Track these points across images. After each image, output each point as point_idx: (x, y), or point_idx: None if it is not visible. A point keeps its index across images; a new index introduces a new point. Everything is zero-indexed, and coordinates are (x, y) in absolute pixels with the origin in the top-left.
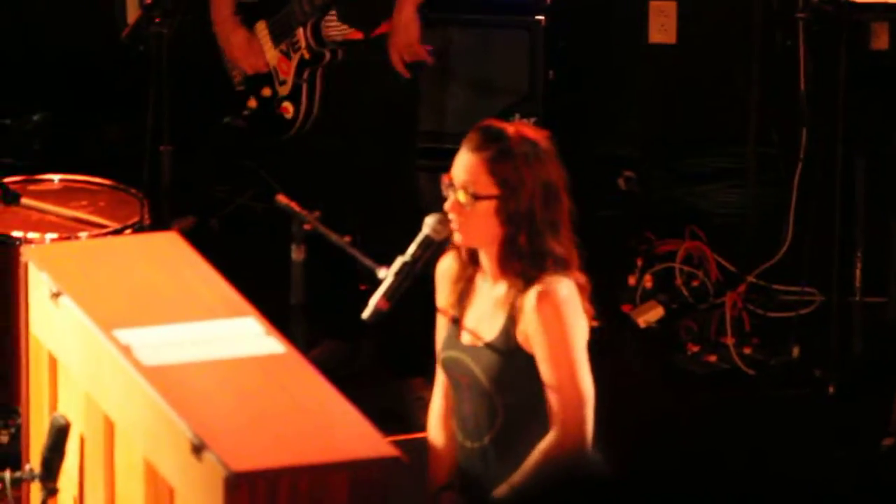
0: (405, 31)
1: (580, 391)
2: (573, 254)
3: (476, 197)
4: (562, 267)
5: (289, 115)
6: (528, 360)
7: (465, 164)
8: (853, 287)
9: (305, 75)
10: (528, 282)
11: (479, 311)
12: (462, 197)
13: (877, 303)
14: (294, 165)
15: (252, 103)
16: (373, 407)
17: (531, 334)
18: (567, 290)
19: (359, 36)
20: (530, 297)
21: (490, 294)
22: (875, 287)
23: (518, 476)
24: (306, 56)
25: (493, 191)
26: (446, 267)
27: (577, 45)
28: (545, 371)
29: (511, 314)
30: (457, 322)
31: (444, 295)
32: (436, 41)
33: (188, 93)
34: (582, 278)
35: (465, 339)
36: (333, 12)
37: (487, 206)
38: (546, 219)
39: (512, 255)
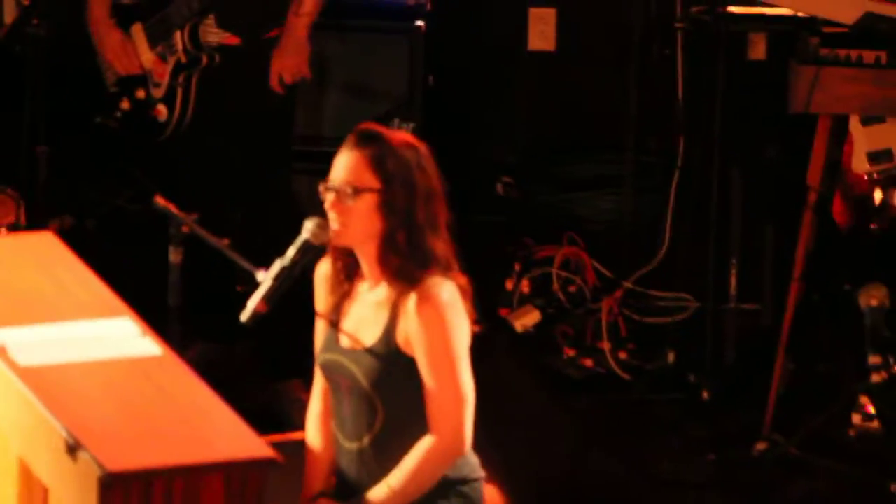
0: (295, 53)
1: (460, 396)
2: (452, 256)
3: (357, 190)
4: (442, 268)
5: (162, 118)
6: (409, 363)
7: (345, 162)
8: (728, 294)
9: (181, 79)
10: (408, 283)
11: (359, 315)
12: (346, 190)
13: (751, 310)
14: (172, 167)
15: (125, 104)
16: (250, 409)
17: (412, 337)
18: (448, 294)
19: (236, 41)
20: (411, 299)
21: (370, 298)
22: (749, 294)
23: (395, 478)
24: (183, 59)
25: (375, 184)
26: (324, 271)
27: (456, 50)
28: (425, 374)
29: (391, 317)
30: (335, 325)
31: (322, 299)
32: (314, 46)
33: (64, 93)
34: (463, 280)
35: (345, 342)
36: (212, 17)
37: (368, 201)
38: (426, 217)
39: (390, 253)
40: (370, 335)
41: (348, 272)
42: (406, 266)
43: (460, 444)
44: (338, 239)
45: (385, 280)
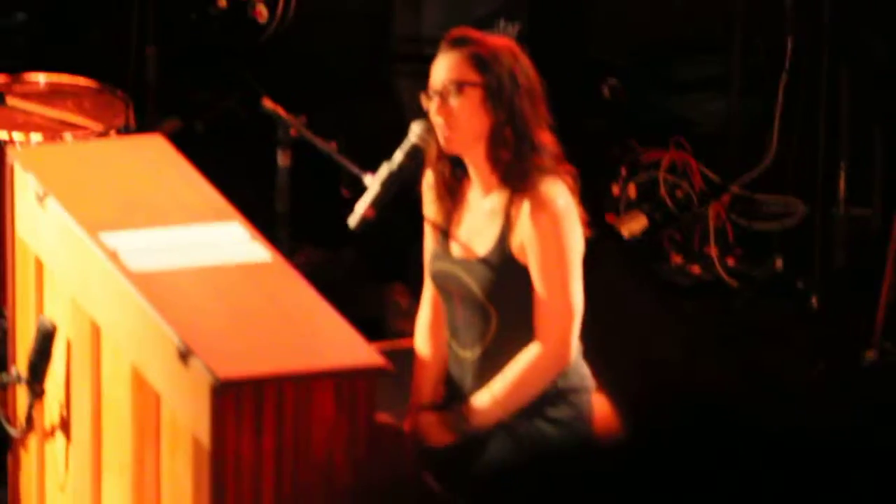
0: None
1: (569, 306)
2: (559, 149)
3: (461, 85)
4: (550, 160)
5: (262, 19)
6: (523, 271)
7: (445, 63)
8: (837, 198)
9: None
10: (521, 185)
11: (471, 224)
12: (449, 88)
13: (860, 215)
14: (277, 68)
15: (222, 2)
16: (357, 314)
17: (526, 243)
18: (564, 200)
19: None
20: (525, 205)
21: (482, 206)
22: (859, 198)
23: (498, 386)
24: None
25: (478, 79)
26: (431, 179)
27: None
28: (537, 282)
29: (505, 224)
30: (446, 235)
31: (431, 207)
32: None
33: None
34: (571, 174)
35: (457, 251)
36: None
37: (473, 97)
38: (531, 114)
39: (500, 148)
40: (483, 244)
41: (456, 180)
42: (517, 162)
43: (565, 354)
44: (448, 144)
45: (496, 184)
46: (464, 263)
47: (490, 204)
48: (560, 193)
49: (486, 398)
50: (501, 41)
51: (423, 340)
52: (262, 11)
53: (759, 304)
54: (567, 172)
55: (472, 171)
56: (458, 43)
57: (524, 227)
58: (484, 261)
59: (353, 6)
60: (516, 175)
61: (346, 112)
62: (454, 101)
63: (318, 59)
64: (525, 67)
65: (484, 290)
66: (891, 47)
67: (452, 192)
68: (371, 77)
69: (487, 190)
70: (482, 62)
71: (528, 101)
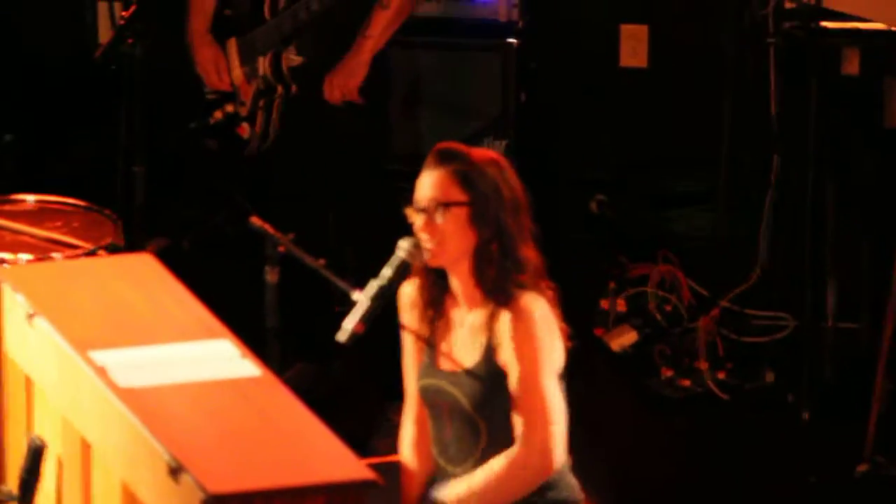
0: (349, 75)
1: (546, 411)
2: (541, 264)
3: (446, 205)
4: (533, 276)
5: (245, 136)
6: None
7: (430, 180)
8: (826, 312)
9: (261, 103)
10: (503, 299)
11: (456, 339)
12: (434, 207)
13: (849, 328)
14: (264, 186)
15: (218, 114)
16: (347, 430)
17: (505, 354)
18: (541, 311)
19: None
20: (505, 318)
21: (466, 321)
22: (847, 312)
23: (477, 478)
24: (262, 86)
25: (463, 198)
26: (410, 294)
27: (548, 68)
28: (513, 388)
29: (489, 337)
30: (433, 349)
31: (411, 323)
32: (407, 65)
33: (159, 113)
34: (551, 289)
35: (444, 365)
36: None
37: (458, 215)
38: (515, 226)
39: (485, 264)
40: (470, 357)
41: (439, 295)
42: (500, 278)
43: (547, 460)
44: (434, 259)
45: (480, 299)
46: (451, 376)
47: (474, 318)
48: (538, 307)
49: (463, 488)
50: (486, 154)
51: (408, 456)
52: (245, 128)
53: (751, 417)
54: (548, 287)
55: (456, 285)
56: (443, 159)
57: (505, 338)
58: (471, 373)
59: (341, 126)
60: (499, 290)
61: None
62: (439, 219)
63: (305, 176)
64: (510, 180)
65: (473, 403)
66: (874, 163)
67: (436, 305)
68: (361, 194)
69: (471, 305)
70: (467, 180)
71: (513, 216)
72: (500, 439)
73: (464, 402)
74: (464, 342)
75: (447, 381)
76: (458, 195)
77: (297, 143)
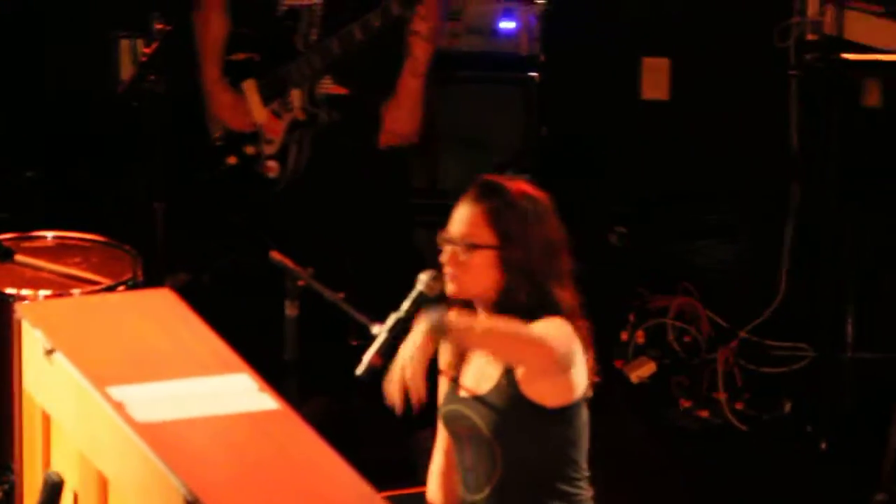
0: (410, 118)
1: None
2: (577, 304)
3: (473, 246)
4: (566, 315)
5: (273, 174)
6: (529, 407)
7: (463, 216)
8: (844, 343)
9: (296, 135)
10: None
11: (478, 364)
12: (459, 247)
13: (867, 359)
14: (288, 221)
15: (232, 160)
16: (368, 462)
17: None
18: (566, 326)
19: (346, 92)
20: None
21: None
22: (866, 343)
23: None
24: (300, 117)
25: (492, 241)
26: None
27: (570, 101)
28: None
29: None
30: (456, 378)
31: (444, 354)
32: (430, 98)
33: (180, 149)
34: (584, 327)
35: (464, 391)
36: (329, 76)
37: (485, 257)
38: (548, 269)
39: (509, 307)
40: (488, 381)
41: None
42: (527, 316)
43: (546, 342)
44: (455, 293)
45: None
46: (470, 402)
47: None
48: (561, 322)
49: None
50: (526, 190)
51: (434, 487)
52: (273, 166)
53: (769, 448)
54: (582, 326)
55: (481, 315)
56: (482, 194)
57: None
58: (489, 396)
59: (367, 160)
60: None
61: (360, 263)
62: (465, 257)
63: (330, 210)
64: (546, 218)
65: (490, 426)
66: (891, 191)
67: None
68: (387, 229)
69: None
70: (500, 221)
71: (544, 259)
72: (516, 468)
73: (481, 426)
74: (484, 366)
75: (466, 405)
76: (487, 237)
77: (321, 175)
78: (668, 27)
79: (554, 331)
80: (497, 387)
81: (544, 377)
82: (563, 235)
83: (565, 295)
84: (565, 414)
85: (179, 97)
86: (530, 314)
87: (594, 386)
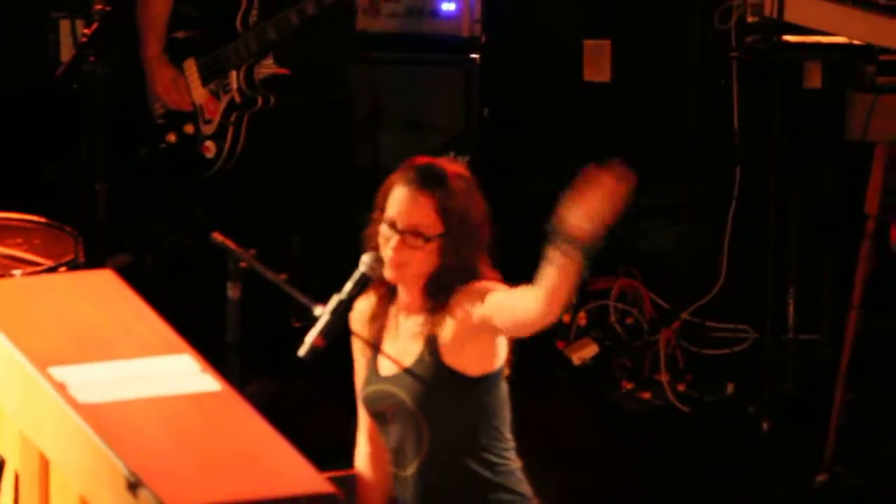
0: None
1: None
2: (495, 276)
3: (427, 239)
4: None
5: (210, 154)
6: (454, 377)
7: (411, 205)
8: (786, 324)
9: (233, 117)
10: (444, 299)
11: (396, 342)
12: (414, 235)
13: (809, 340)
14: (227, 202)
15: (171, 137)
16: (308, 444)
17: (464, 314)
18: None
19: (286, 72)
20: (453, 301)
21: (406, 324)
22: (808, 324)
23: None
24: (237, 99)
25: (441, 230)
26: (362, 309)
27: (511, 83)
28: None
29: (430, 331)
30: (376, 355)
31: (364, 330)
32: (369, 80)
33: (119, 130)
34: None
35: (386, 369)
36: (270, 56)
37: (433, 245)
38: (476, 248)
39: (440, 284)
40: (410, 356)
41: (386, 305)
42: (450, 289)
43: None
44: (395, 279)
45: (422, 304)
46: (393, 378)
47: (413, 321)
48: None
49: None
50: (457, 170)
51: (363, 471)
52: (211, 147)
53: (711, 429)
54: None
55: (403, 296)
56: (426, 183)
57: (456, 310)
58: (412, 370)
59: (307, 140)
60: (445, 295)
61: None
62: (415, 245)
63: (270, 190)
64: (475, 195)
65: (414, 399)
66: (836, 176)
67: (382, 315)
68: (326, 208)
69: (413, 310)
70: (447, 212)
71: (477, 241)
72: (443, 439)
73: (406, 399)
74: (405, 343)
75: (389, 382)
76: (436, 227)
77: (263, 156)
78: (610, 9)
79: None
80: (420, 359)
81: (482, 338)
82: (486, 207)
83: (486, 269)
84: (488, 381)
85: (121, 75)
86: (452, 290)
87: (534, 368)
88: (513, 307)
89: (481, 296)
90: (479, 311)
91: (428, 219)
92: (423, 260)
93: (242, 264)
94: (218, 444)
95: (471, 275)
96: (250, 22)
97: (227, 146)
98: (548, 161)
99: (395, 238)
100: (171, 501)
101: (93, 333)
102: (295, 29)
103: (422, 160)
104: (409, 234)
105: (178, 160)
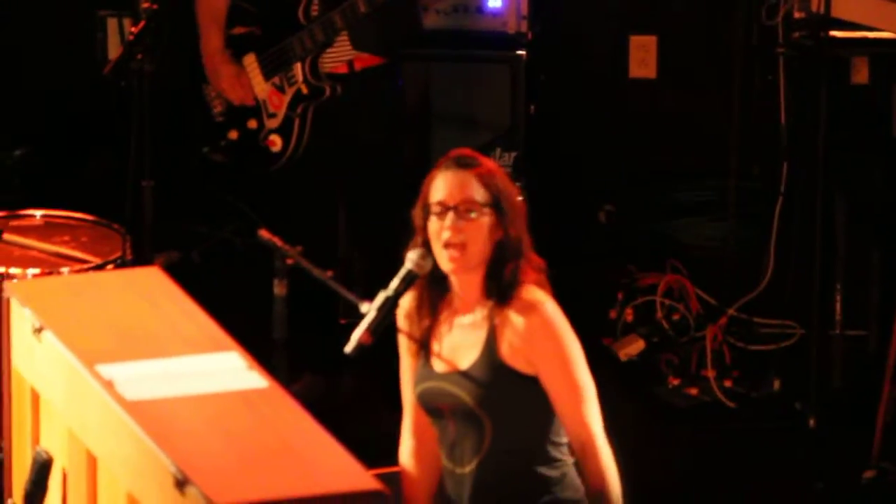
0: None
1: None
2: (543, 263)
3: (481, 205)
4: (536, 276)
5: (276, 148)
6: (514, 375)
7: (458, 181)
8: (833, 320)
9: (299, 109)
10: (505, 297)
11: (453, 341)
12: (470, 207)
13: (857, 336)
14: (278, 198)
15: (233, 135)
16: (356, 440)
17: (524, 350)
18: (550, 301)
19: (344, 70)
20: (513, 311)
21: (462, 323)
22: (855, 320)
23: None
24: (304, 91)
25: (489, 199)
26: (409, 307)
27: (558, 79)
28: (550, 384)
29: (490, 331)
30: (428, 353)
31: (414, 329)
32: (418, 77)
33: (169, 127)
34: (548, 283)
35: (441, 367)
36: (331, 49)
37: (486, 220)
38: (524, 228)
39: (500, 269)
40: (469, 356)
41: (435, 302)
42: (512, 279)
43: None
44: (459, 264)
45: (478, 300)
46: (451, 377)
47: (470, 320)
48: (543, 296)
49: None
50: (491, 162)
51: (408, 468)
52: (277, 141)
53: (758, 425)
54: (546, 282)
55: (458, 289)
56: (463, 164)
57: (517, 332)
58: (472, 369)
59: (365, 136)
60: (504, 293)
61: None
62: (473, 218)
63: (325, 187)
64: (509, 180)
65: (475, 398)
66: (884, 171)
67: (435, 311)
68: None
69: (469, 307)
70: (490, 186)
71: (521, 217)
72: (505, 435)
73: (466, 399)
74: (462, 343)
75: (446, 381)
76: (485, 196)
77: (316, 151)
78: (656, 5)
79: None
80: (480, 358)
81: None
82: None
83: (532, 253)
84: None
85: (168, 74)
86: (512, 281)
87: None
88: (561, 417)
89: (546, 359)
90: (534, 367)
91: (475, 191)
92: (480, 237)
93: (289, 261)
94: (264, 441)
95: (523, 256)
96: (312, 14)
97: (293, 139)
98: (594, 157)
99: (450, 215)
100: (217, 498)
101: (140, 331)
102: (362, 16)
103: (458, 150)
104: (462, 206)
105: (242, 156)
